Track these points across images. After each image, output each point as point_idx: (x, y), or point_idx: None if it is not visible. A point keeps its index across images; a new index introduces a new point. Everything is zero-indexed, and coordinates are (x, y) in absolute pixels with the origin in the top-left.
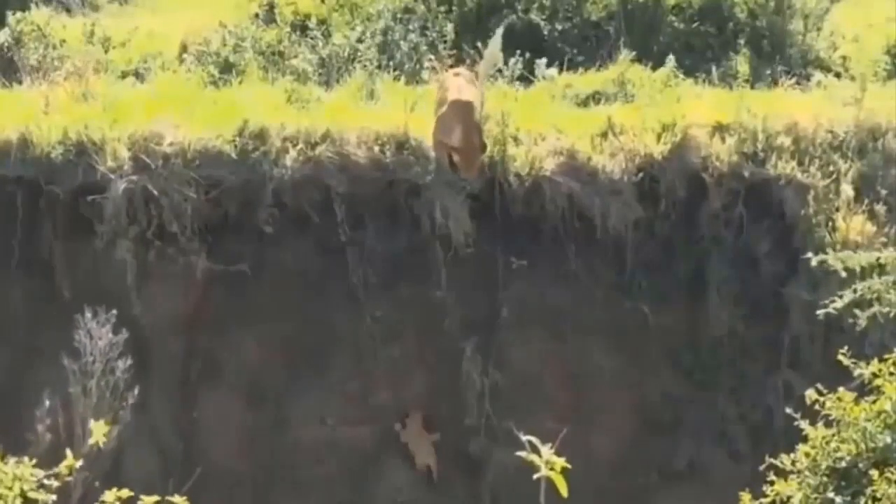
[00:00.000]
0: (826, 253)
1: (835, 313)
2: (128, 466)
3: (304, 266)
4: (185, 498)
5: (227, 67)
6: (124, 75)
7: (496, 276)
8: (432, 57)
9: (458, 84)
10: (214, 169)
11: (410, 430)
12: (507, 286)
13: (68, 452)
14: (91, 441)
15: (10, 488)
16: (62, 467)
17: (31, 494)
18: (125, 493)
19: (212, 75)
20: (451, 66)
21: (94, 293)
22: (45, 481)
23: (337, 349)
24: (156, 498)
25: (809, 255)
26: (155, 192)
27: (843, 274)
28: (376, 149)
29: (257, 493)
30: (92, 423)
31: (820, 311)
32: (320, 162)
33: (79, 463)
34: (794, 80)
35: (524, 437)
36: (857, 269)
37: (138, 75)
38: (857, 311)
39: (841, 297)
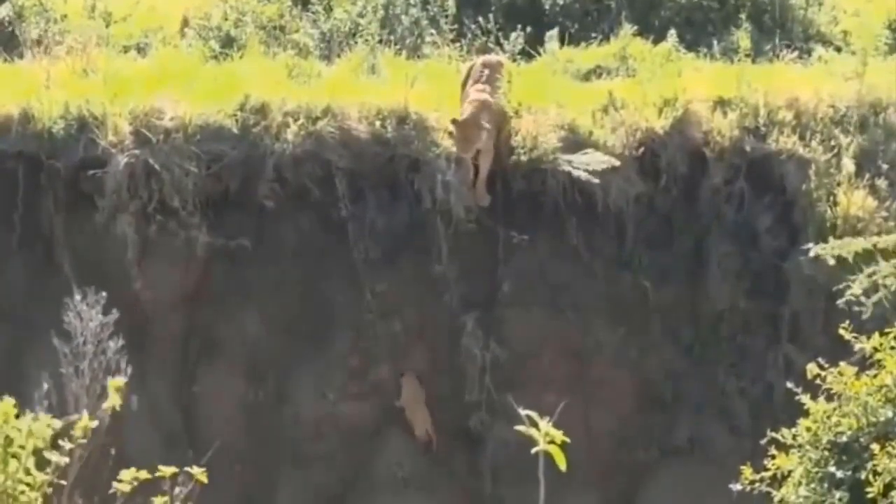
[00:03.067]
0: (826, 227)
1: (854, 300)
2: (128, 443)
3: (305, 241)
4: (202, 470)
5: (227, 42)
6: (125, 50)
7: (497, 250)
8: (433, 31)
9: (481, 84)
10: (215, 143)
11: (406, 392)
12: (508, 261)
13: (84, 413)
14: (106, 405)
15: (24, 446)
16: (77, 428)
17: (45, 454)
18: (143, 474)
19: (213, 50)
20: (481, 51)
21: (94, 268)
22: (60, 442)
23: (337, 324)
24: (174, 469)
25: (810, 245)
26: (156, 167)
27: (832, 262)
28: (377, 123)
29: (258, 468)
30: (109, 381)
31: (840, 301)
32: (321, 137)
33: (94, 423)
34: (795, 54)
35: (523, 412)
36: (850, 256)
37: (139, 50)
38: (862, 298)
39: (855, 280)
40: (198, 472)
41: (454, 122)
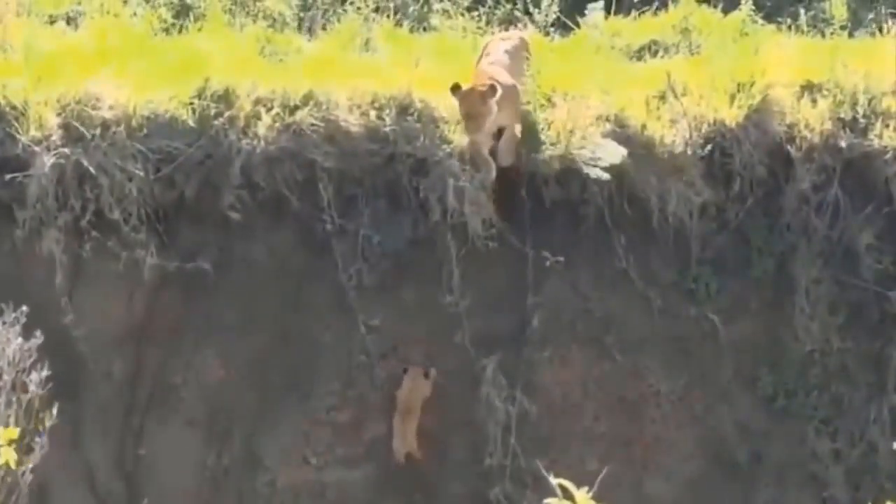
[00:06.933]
0: None
1: None
2: None
3: (282, 263)
4: None
5: (182, 10)
6: (52, 20)
7: (524, 275)
8: None
9: (496, 65)
10: (167, 140)
11: (406, 390)
12: (539, 289)
13: None
14: None
15: None
16: None
17: None
18: None
19: (164, 20)
20: (504, 22)
21: (12, 296)
22: None
23: (323, 368)
24: None
25: None
26: (91, 170)
27: None
28: (373, 114)
29: None
30: (1, 431)
31: None
32: (301, 131)
33: None
34: None
35: (555, 480)
36: None
37: (70, 20)
38: None
39: None
40: None
41: (455, 91)
